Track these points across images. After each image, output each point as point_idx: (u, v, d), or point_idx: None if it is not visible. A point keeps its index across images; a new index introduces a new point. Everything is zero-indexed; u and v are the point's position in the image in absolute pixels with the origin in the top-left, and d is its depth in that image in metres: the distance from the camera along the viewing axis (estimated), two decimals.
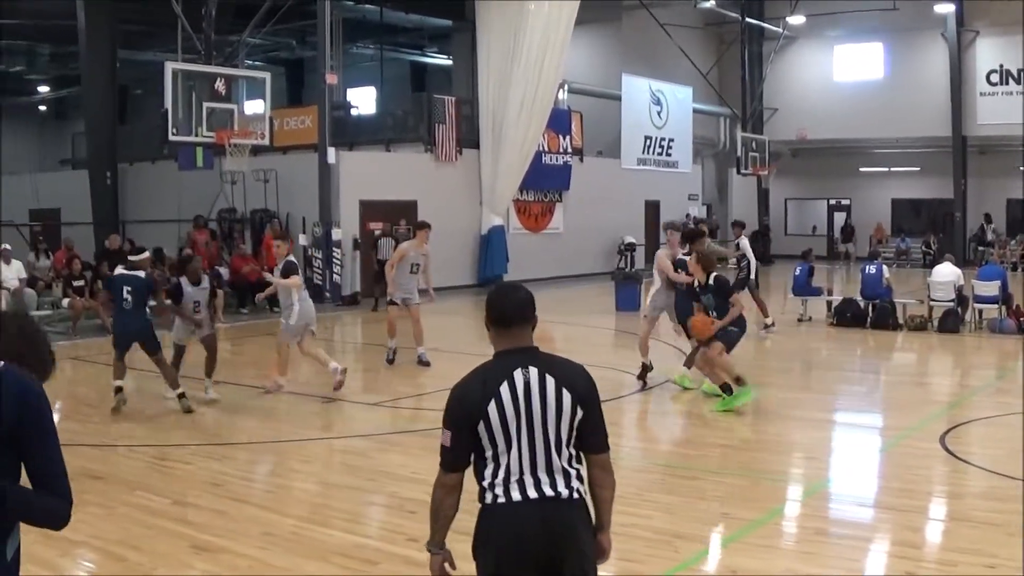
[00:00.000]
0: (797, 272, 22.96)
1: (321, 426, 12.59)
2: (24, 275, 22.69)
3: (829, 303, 22.62)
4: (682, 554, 7.68)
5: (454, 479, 4.48)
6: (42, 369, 3.83)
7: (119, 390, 13.20)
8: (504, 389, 4.35)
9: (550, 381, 4.38)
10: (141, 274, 13.70)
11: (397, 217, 26.86)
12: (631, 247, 35.84)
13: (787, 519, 8.81)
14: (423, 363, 16.64)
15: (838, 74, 45.25)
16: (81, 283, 22.28)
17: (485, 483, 4.42)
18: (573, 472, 4.39)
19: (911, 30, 41.72)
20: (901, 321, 20.99)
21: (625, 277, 26.74)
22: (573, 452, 4.42)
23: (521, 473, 4.35)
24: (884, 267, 21.65)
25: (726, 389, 12.71)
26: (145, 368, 14.25)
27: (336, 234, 26.87)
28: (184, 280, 14.07)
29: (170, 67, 21.28)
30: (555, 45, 30.55)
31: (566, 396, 4.37)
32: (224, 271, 25.52)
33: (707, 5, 40.64)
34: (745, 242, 21.69)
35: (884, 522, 8.46)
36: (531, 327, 4.57)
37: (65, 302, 22.25)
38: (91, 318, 22.04)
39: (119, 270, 14.23)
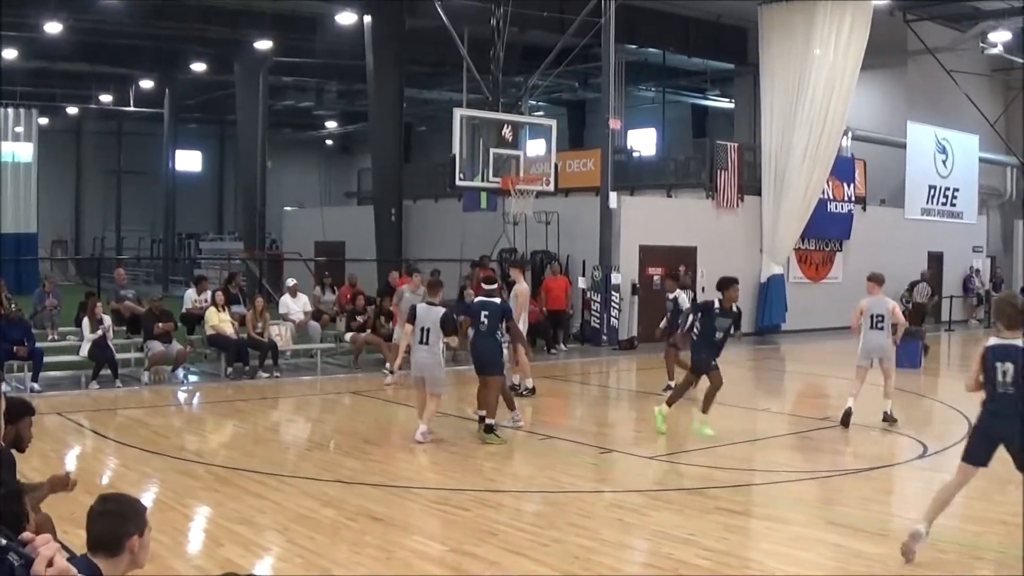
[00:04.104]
0: None
1: (597, 478, 12.54)
2: (310, 308, 23.60)
3: None
4: None
5: None
6: None
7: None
8: None
9: None
10: (498, 300, 15.12)
11: (676, 263, 26.69)
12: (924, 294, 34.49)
13: None
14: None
15: None
16: (364, 318, 22.95)
17: None
18: None
19: None
20: None
21: (906, 332, 25.67)
22: None
23: None
24: None
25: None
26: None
27: (615, 278, 26.94)
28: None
29: (459, 114, 21.74)
30: (840, 91, 29.96)
31: None
32: None
33: (994, 51, 39.10)
34: (683, 296, 19.63)
35: None
36: None
37: (348, 336, 22.96)
38: (372, 352, 22.68)
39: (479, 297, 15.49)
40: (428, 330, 14.05)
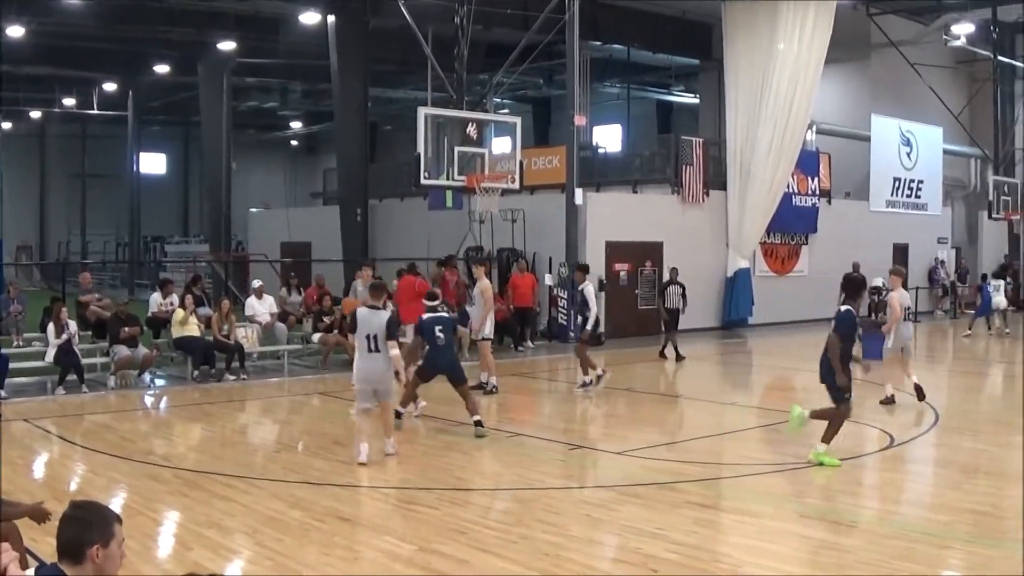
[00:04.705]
0: None
1: (565, 474, 12.53)
2: (276, 310, 23.56)
3: None
4: None
5: None
6: None
7: (399, 415, 14.99)
8: None
9: None
10: (446, 314, 15.48)
11: (643, 258, 26.74)
12: (878, 291, 34.67)
13: None
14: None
15: None
16: (331, 319, 22.90)
17: None
18: None
19: None
20: None
21: (872, 324, 25.74)
22: None
23: None
24: None
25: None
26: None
27: None
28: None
29: (423, 112, 21.71)
30: (804, 85, 30.10)
31: None
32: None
33: (957, 43, 39.34)
34: (590, 289, 18.93)
35: None
36: None
37: (315, 337, 22.89)
38: (340, 353, 22.61)
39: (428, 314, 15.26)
40: (376, 337, 12.91)
